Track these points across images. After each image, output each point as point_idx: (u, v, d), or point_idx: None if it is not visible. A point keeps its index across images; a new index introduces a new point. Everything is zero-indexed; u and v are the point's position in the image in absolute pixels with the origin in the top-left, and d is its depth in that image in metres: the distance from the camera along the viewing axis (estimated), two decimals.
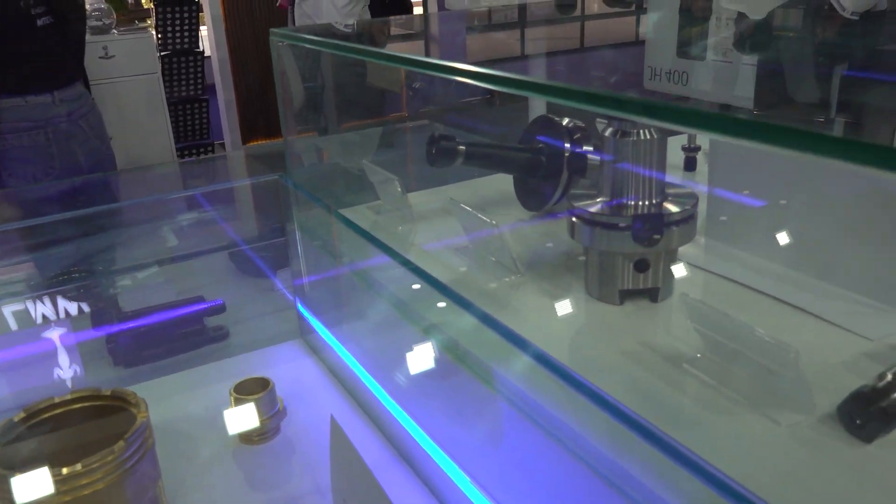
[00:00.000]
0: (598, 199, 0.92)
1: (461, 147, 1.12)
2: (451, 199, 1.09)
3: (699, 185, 1.31)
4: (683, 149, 1.46)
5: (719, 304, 0.94)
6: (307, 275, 1.31)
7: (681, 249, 0.96)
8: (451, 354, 0.87)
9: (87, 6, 4.30)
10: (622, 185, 0.91)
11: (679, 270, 0.96)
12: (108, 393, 0.97)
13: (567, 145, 1.19)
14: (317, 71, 1.78)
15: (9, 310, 1.27)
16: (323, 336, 1.25)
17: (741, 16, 2.28)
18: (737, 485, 0.50)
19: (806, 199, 0.97)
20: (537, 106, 1.46)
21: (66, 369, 1.32)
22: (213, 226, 1.77)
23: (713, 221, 1.09)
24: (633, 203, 0.90)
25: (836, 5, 1.81)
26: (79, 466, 0.80)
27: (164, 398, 1.19)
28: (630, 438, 0.58)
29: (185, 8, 4.71)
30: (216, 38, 5.56)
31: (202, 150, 5.03)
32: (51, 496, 0.79)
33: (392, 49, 2.14)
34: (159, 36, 4.72)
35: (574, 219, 0.92)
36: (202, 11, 5.36)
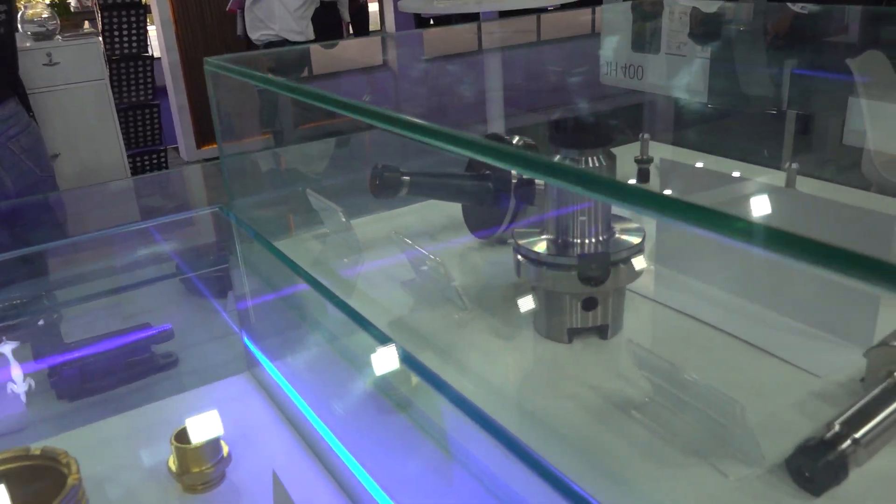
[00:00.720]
0: (543, 237, 0.90)
1: (405, 178, 1.09)
2: (395, 232, 1.06)
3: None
4: (636, 160, 1.45)
5: (669, 340, 0.93)
6: (252, 307, 1.27)
7: None
8: (388, 398, 0.84)
9: (30, 12, 4.17)
10: (568, 219, 0.89)
11: (629, 305, 0.94)
12: (38, 452, 0.92)
13: (514, 172, 1.17)
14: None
15: None
16: (269, 371, 1.21)
17: (695, 10, 2.28)
18: None
19: (759, 217, 0.95)
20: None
21: (6, 407, 1.27)
22: (159, 252, 1.71)
23: (663, 246, 1.08)
24: (578, 241, 0.88)
25: None
26: None
27: (103, 445, 1.15)
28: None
29: (132, 12, 4.58)
30: (166, 41, 5.44)
31: (155, 155, 4.91)
32: None
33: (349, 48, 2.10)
34: (106, 41, 4.59)
35: (519, 257, 0.90)
36: (150, 14, 5.23)
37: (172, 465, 1.04)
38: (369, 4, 7.25)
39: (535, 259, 0.88)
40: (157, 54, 5.32)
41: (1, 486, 0.88)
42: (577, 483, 0.57)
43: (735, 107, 2.37)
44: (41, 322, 1.64)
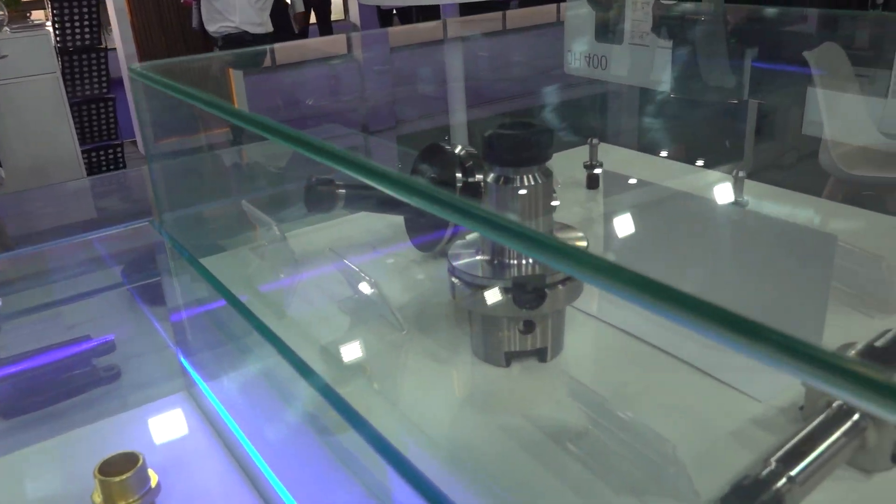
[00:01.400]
0: (478, 258, 0.86)
1: (340, 191, 1.04)
2: (329, 249, 1.02)
3: (598, 210, 1.26)
4: (585, 166, 1.41)
5: (610, 361, 0.90)
6: (187, 323, 1.22)
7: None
8: (313, 429, 0.80)
9: None
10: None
11: (571, 322, 0.91)
12: None
13: (458, 176, 1.13)
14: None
15: None
16: (204, 392, 1.16)
17: (657, 0, 2.28)
18: None
19: (699, 239, 0.93)
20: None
21: None
22: (101, 262, 1.65)
23: (613, 250, 1.04)
24: (514, 262, 0.84)
25: None
26: None
27: (27, 477, 1.09)
28: None
29: (84, 1, 4.45)
30: (122, 32, 5.30)
31: (111, 150, 4.79)
32: None
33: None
34: (57, 32, 4.45)
35: (454, 279, 0.86)
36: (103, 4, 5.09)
37: (97, 498, 0.99)
38: None
39: (469, 282, 0.84)
40: (111, 46, 5.18)
41: None
42: None
43: (697, 97, 2.37)
44: None
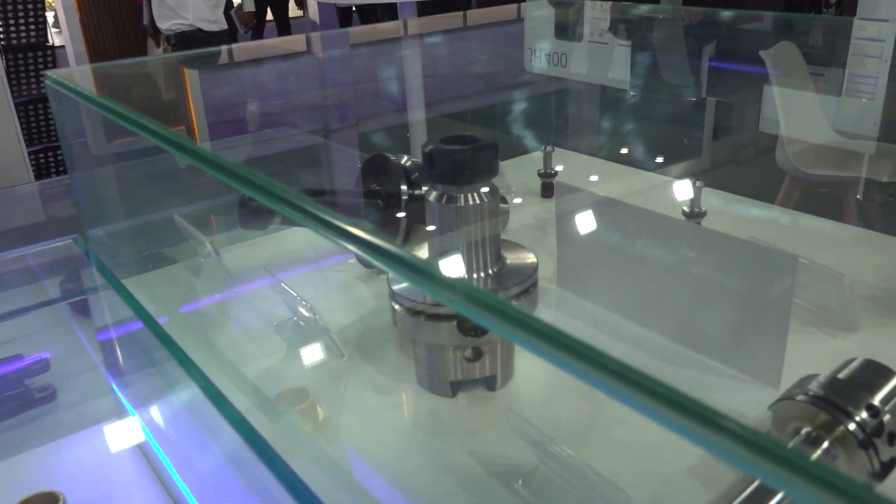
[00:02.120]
0: None
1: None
2: (265, 268, 0.95)
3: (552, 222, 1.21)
4: (539, 174, 1.36)
5: (563, 386, 0.84)
6: (117, 345, 1.14)
7: None
8: (237, 471, 0.74)
9: None
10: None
11: (520, 350, 0.86)
12: None
13: (404, 187, 1.07)
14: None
15: None
16: (134, 419, 1.08)
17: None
18: None
19: (656, 259, 0.88)
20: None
21: None
22: (34, 278, 1.56)
23: (565, 267, 0.99)
24: None
25: None
26: None
27: None
28: None
29: None
30: (70, 30, 5.13)
31: (59, 151, 4.63)
32: None
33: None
34: (0, 29, 4.28)
35: (395, 306, 0.80)
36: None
37: None
38: None
39: (411, 309, 0.78)
40: (58, 43, 5.01)
41: None
42: None
43: (656, 94, 2.35)
44: None
